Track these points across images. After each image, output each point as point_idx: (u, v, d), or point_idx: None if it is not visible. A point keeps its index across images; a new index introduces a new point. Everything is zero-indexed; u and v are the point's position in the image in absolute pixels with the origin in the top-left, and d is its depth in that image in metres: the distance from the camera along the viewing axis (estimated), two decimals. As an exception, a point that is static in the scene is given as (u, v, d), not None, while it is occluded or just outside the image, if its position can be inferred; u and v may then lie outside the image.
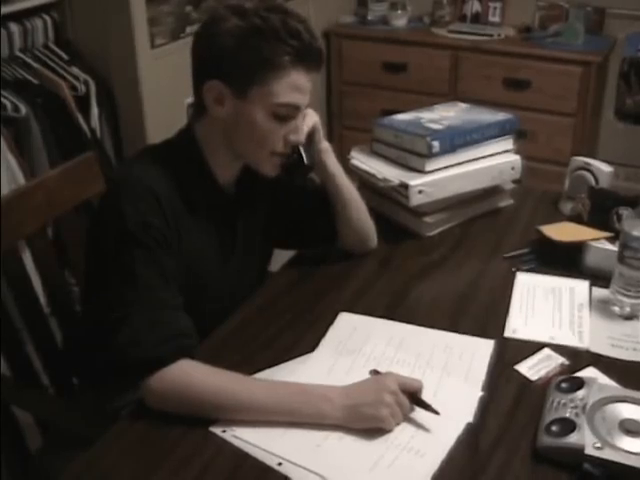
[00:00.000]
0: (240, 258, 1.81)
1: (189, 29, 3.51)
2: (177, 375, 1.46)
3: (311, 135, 1.78)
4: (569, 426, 1.34)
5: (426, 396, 1.47)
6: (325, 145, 1.85)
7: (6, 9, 2.79)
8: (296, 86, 1.57)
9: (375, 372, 1.52)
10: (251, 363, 1.60)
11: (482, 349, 1.64)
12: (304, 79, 1.58)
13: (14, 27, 2.82)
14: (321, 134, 1.83)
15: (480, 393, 1.51)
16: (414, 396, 1.44)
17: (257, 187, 1.81)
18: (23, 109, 2.73)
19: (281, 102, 1.57)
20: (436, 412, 1.41)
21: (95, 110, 3.05)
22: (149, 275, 1.52)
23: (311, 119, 1.77)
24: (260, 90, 1.55)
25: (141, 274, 1.51)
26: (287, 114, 1.60)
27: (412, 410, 1.43)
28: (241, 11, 1.56)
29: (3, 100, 2.70)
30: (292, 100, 1.58)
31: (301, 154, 1.71)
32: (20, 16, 2.87)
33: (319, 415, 1.42)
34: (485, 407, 1.47)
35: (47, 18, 2.96)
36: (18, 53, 2.88)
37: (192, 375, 1.47)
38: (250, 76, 1.55)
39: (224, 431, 1.42)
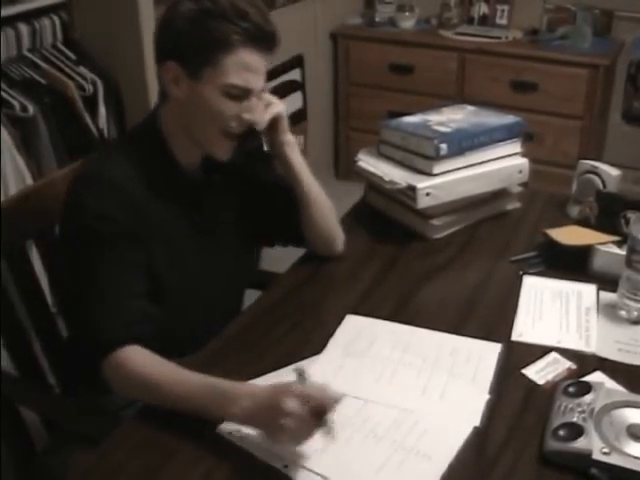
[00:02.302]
0: (214, 241, 1.82)
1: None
2: (122, 361, 1.53)
3: (274, 123, 1.80)
4: (576, 431, 1.34)
5: (433, 399, 1.48)
6: (289, 138, 1.86)
7: (15, 9, 2.80)
8: (246, 65, 1.60)
9: (300, 374, 1.38)
10: (258, 363, 1.60)
11: (489, 352, 1.64)
12: (255, 59, 1.61)
13: (23, 27, 2.83)
14: (285, 125, 1.84)
15: (487, 396, 1.51)
16: (318, 410, 1.32)
17: (225, 173, 1.82)
18: (31, 109, 2.74)
19: (232, 82, 1.60)
20: (330, 435, 1.32)
21: (102, 110, 3.05)
22: (107, 266, 1.60)
23: (275, 108, 1.79)
24: (212, 71, 1.59)
25: (100, 265, 1.59)
26: (239, 94, 1.62)
27: (321, 422, 1.32)
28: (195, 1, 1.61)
29: (11, 100, 2.71)
30: (243, 80, 1.61)
31: (261, 140, 1.74)
32: (29, 16, 2.87)
33: (226, 416, 1.42)
34: (492, 411, 1.47)
35: (55, 18, 2.97)
36: (26, 53, 2.89)
37: (134, 362, 1.53)
38: (202, 57, 1.59)
39: (230, 433, 1.42)
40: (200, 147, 1.72)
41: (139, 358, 1.53)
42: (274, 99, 1.79)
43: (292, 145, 1.87)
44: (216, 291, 1.83)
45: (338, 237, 1.99)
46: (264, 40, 1.61)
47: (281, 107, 1.81)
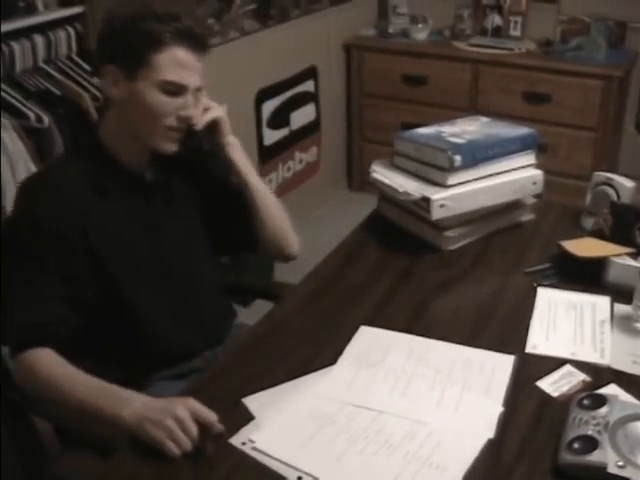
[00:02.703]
0: (168, 238, 1.87)
1: (211, 41, 3.51)
2: (29, 363, 1.65)
3: (215, 127, 1.86)
4: (591, 444, 1.33)
5: (447, 411, 1.47)
6: (231, 139, 1.93)
7: (30, 21, 2.81)
8: (179, 62, 1.68)
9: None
10: (272, 374, 1.60)
11: (502, 364, 1.63)
12: (187, 56, 1.69)
13: (38, 39, 2.84)
14: (226, 128, 1.90)
15: (501, 409, 1.50)
16: (204, 428, 1.42)
17: (176, 171, 1.89)
18: (46, 120, 2.74)
19: (166, 78, 1.68)
20: (203, 455, 1.41)
21: (116, 121, 3.06)
22: (26, 267, 1.68)
23: (214, 112, 1.84)
24: (147, 70, 1.67)
25: (20, 266, 1.69)
26: (175, 90, 1.70)
27: (200, 443, 1.41)
28: (129, 5, 1.73)
29: (27, 111, 2.72)
30: (177, 76, 1.68)
31: (199, 140, 1.81)
32: (44, 28, 2.89)
33: (117, 418, 1.49)
34: (506, 423, 1.46)
35: (70, 30, 2.97)
36: (42, 64, 2.90)
37: (40, 365, 1.64)
38: (137, 57, 1.67)
39: (244, 443, 1.42)
40: (145, 144, 1.78)
41: (45, 361, 1.64)
42: (213, 103, 1.85)
43: (234, 146, 1.94)
44: (177, 290, 1.88)
45: (290, 239, 2.04)
46: (195, 39, 1.70)
47: (220, 111, 1.87)
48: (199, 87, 1.74)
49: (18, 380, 1.69)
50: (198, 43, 1.71)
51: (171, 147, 1.76)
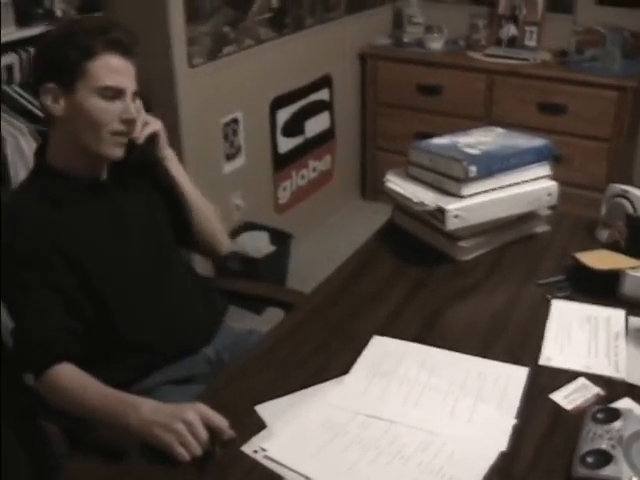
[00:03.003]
0: (137, 231, 1.93)
1: (226, 49, 3.54)
2: (51, 381, 1.71)
3: (153, 139, 1.93)
4: (605, 458, 1.32)
5: (459, 422, 1.47)
6: (168, 152, 2.00)
7: (49, 27, 2.82)
8: (112, 68, 1.75)
9: None
10: (285, 382, 1.61)
11: (516, 376, 1.63)
12: (119, 62, 1.76)
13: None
14: (163, 141, 1.97)
15: (514, 421, 1.50)
16: (214, 434, 1.43)
17: (128, 172, 1.95)
18: (62, 126, 2.76)
19: (103, 84, 1.74)
20: (215, 456, 1.41)
21: (132, 127, 3.07)
22: (19, 294, 1.75)
23: (152, 126, 1.91)
24: (83, 80, 1.74)
25: (14, 295, 1.76)
26: (113, 95, 1.76)
27: (211, 447, 1.42)
28: (61, 24, 1.92)
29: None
30: (112, 80, 1.75)
31: (140, 153, 1.89)
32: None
33: (125, 422, 1.53)
34: (519, 435, 1.46)
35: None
36: (58, 70, 2.91)
37: (62, 381, 1.70)
38: (72, 69, 1.74)
39: (255, 451, 1.42)
40: (93, 154, 1.81)
41: (66, 376, 1.70)
42: (151, 118, 1.91)
43: (171, 158, 2.01)
44: (155, 284, 1.93)
45: (221, 239, 2.15)
46: (124, 45, 1.78)
47: (158, 125, 1.93)
48: (136, 91, 1.82)
49: (48, 399, 1.73)
50: (128, 50, 1.78)
51: (117, 152, 1.82)
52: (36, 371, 1.73)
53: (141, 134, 1.87)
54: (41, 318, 1.74)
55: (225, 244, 2.17)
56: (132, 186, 1.95)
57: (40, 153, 1.88)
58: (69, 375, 1.71)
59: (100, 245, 1.84)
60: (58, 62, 1.75)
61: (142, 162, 1.93)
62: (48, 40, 1.84)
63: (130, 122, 1.80)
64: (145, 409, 1.52)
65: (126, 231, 1.90)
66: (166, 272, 1.97)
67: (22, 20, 2.79)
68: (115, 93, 1.76)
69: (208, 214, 2.09)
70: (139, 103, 1.85)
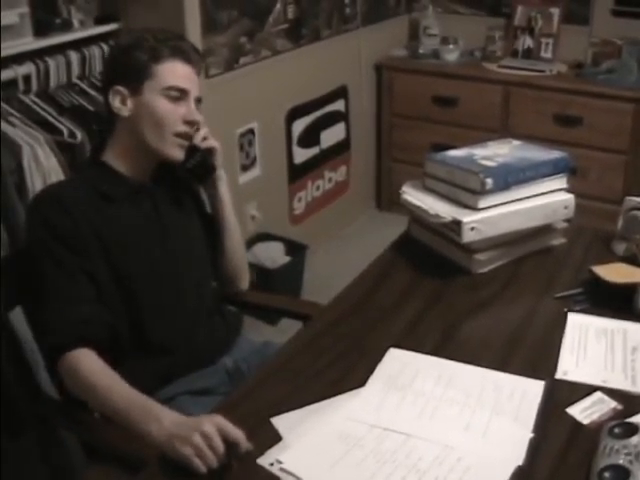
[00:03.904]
0: (177, 240, 1.98)
1: (243, 60, 3.55)
2: (71, 364, 1.71)
3: (212, 152, 2.00)
4: (622, 474, 1.31)
5: (475, 436, 1.47)
6: (221, 173, 2.07)
7: (66, 37, 2.86)
8: (176, 71, 1.87)
9: None
10: (302, 394, 1.60)
11: (532, 390, 1.62)
12: (183, 67, 1.88)
13: (73, 55, 2.88)
14: (221, 160, 2.04)
15: (530, 435, 1.49)
16: (231, 446, 1.42)
17: (175, 181, 2.02)
18: (79, 135, 2.77)
19: (169, 84, 1.85)
20: (231, 468, 1.42)
21: (148, 138, 3.08)
22: (52, 272, 1.77)
23: (213, 141, 1.99)
24: (151, 81, 1.85)
25: (46, 272, 1.77)
26: (178, 96, 1.86)
27: (227, 460, 1.41)
28: (130, 34, 2.03)
29: (60, 126, 2.75)
30: (178, 81, 1.86)
31: (205, 156, 1.97)
32: (79, 44, 2.93)
33: (146, 433, 1.52)
34: (536, 450, 1.45)
35: (104, 47, 3.01)
36: (76, 80, 2.93)
37: (82, 367, 1.69)
38: (141, 71, 1.85)
39: (271, 464, 1.42)
40: (154, 154, 1.90)
41: (86, 364, 1.70)
42: (211, 135, 2.00)
43: (223, 180, 2.09)
44: (187, 291, 1.97)
45: (244, 274, 2.22)
46: (188, 53, 1.89)
47: (217, 143, 2.01)
48: (199, 98, 1.92)
49: (66, 384, 1.75)
50: (194, 58, 1.90)
51: (179, 154, 1.91)
52: (60, 351, 1.72)
53: (201, 142, 1.95)
54: (74, 301, 1.76)
55: (247, 282, 2.23)
56: (175, 197, 2.02)
57: (95, 151, 1.96)
58: (89, 361, 1.71)
59: (138, 245, 1.88)
60: (128, 65, 1.86)
61: (197, 172, 1.98)
62: (120, 45, 1.98)
63: (193, 124, 1.90)
64: (167, 422, 1.51)
65: (164, 236, 1.94)
66: (193, 282, 1.99)
67: (40, 30, 2.81)
68: (179, 93, 1.86)
69: (239, 246, 2.17)
70: (203, 120, 1.93)
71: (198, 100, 1.92)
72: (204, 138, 1.96)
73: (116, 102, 1.87)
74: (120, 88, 1.86)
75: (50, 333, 1.75)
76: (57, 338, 1.73)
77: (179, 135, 1.88)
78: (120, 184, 1.90)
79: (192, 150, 1.94)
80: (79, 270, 1.78)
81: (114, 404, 1.63)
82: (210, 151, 1.99)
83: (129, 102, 1.86)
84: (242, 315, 2.21)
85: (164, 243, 1.94)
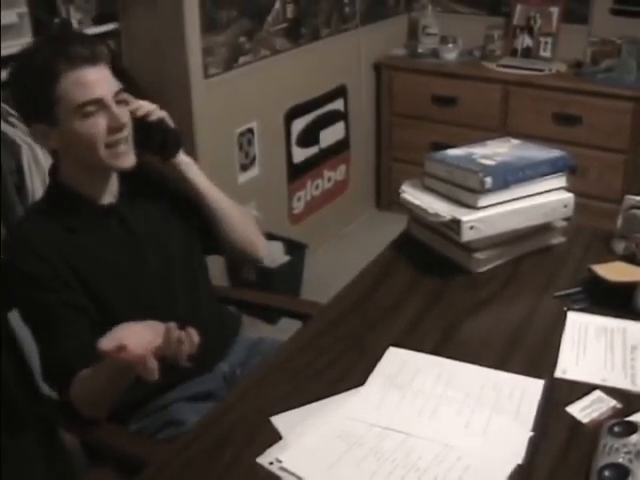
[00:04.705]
0: (153, 254, 1.89)
1: (242, 59, 3.55)
2: (76, 387, 1.71)
3: (163, 123, 1.89)
4: (622, 472, 1.31)
5: (475, 435, 1.47)
6: (183, 158, 1.94)
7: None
8: (80, 83, 1.67)
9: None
10: (302, 393, 1.60)
11: (532, 389, 1.62)
12: (85, 73, 1.67)
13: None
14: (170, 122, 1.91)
15: (530, 434, 1.49)
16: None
17: (139, 189, 1.91)
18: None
19: (79, 101, 1.67)
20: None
21: (148, 137, 3.08)
22: (44, 317, 1.74)
23: (158, 111, 1.88)
24: (60, 106, 1.68)
25: (37, 319, 1.76)
26: (95, 109, 1.69)
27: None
28: (19, 60, 1.77)
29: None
30: (86, 94, 1.67)
31: (165, 131, 1.86)
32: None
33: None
34: (535, 448, 1.45)
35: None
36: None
37: (80, 383, 1.71)
38: (45, 101, 1.68)
39: (271, 463, 1.42)
40: (104, 170, 1.80)
41: (80, 377, 1.71)
42: (150, 105, 1.88)
43: (188, 164, 1.95)
44: (178, 303, 1.91)
45: (257, 243, 2.09)
46: (85, 56, 1.68)
47: (162, 112, 1.89)
48: (118, 90, 1.75)
49: (82, 411, 1.74)
50: (90, 58, 1.69)
51: (129, 161, 1.79)
52: (64, 384, 1.73)
53: (153, 112, 1.85)
54: (69, 337, 1.73)
55: (261, 248, 2.11)
56: (145, 202, 1.93)
57: (54, 172, 1.86)
58: (82, 375, 1.71)
59: (114, 269, 1.82)
60: (29, 98, 1.72)
61: (166, 144, 1.88)
62: (14, 76, 1.78)
63: (120, 129, 1.74)
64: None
65: (140, 253, 1.87)
66: (183, 288, 1.94)
67: (39, 30, 2.81)
68: (95, 106, 1.70)
69: (239, 218, 2.03)
70: (127, 96, 1.80)
71: (117, 93, 1.75)
72: (146, 114, 1.85)
73: (39, 140, 1.79)
74: (36, 126, 1.74)
75: (52, 372, 1.78)
76: (59, 377, 1.75)
77: (114, 144, 1.75)
78: (83, 210, 1.82)
79: (144, 129, 1.82)
80: (65, 306, 1.74)
81: (104, 378, 1.67)
82: (162, 123, 1.88)
83: (52, 135, 1.73)
84: (241, 315, 2.18)
85: (142, 259, 1.88)
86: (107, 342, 1.47)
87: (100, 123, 1.70)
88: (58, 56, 1.67)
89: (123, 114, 1.75)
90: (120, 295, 1.81)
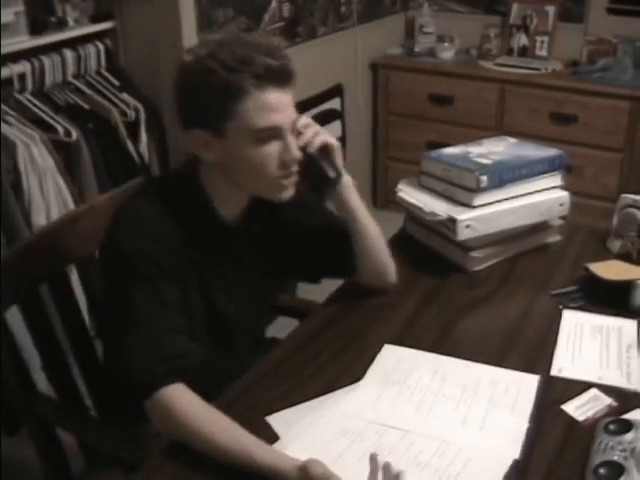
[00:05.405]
0: (241, 291, 1.78)
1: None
2: (166, 403, 1.49)
3: (327, 149, 1.75)
4: (617, 470, 1.32)
5: (472, 430, 1.47)
6: (346, 179, 1.82)
7: (61, 36, 2.86)
8: (266, 106, 1.54)
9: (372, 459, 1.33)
10: (299, 392, 1.60)
11: (528, 384, 1.63)
12: (273, 97, 1.54)
13: (68, 53, 2.88)
14: (340, 159, 1.79)
15: (527, 424, 1.50)
16: None
17: (269, 220, 1.80)
18: (74, 134, 2.77)
19: (259, 127, 1.54)
20: None
21: (144, 136, 3.08)
22: (144, 300, 1.54)
23: (325, 135, 1.75)
24: (235, 124, 1.54)
25: (137, 300, 1.54)
26: (271, 136, 1.57)
27: None
28: (197, 60, 1.56)
29: (55, 125, 2.75)
30: (268, 121, 1.55)
31: (323, 168, 1.72)
32: (74, 43, 2.93)
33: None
34: (532, 445, 1.45)
35: (100, 45, 3.01)
36: (71, 79, 2.93)
37: (179, 406, 1.48)
38: (221, 114, 1.54)
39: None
40: (257, 196, 1.69)
41: (181, 398, 1.50)
42: (322, 129, 1.75)
43: (349, 186, 1.83)
44: (235, 332, 1.80)
45: (390, 268, 1.94)
46: (276, 76, 1.55)
47: (331, 137, 1.76)
48: (295, 119, 1.62)
49: (155, 423, 1.52)
50: (281, 77, 1.56)
51: (287, 194, 1.66)
52: (146, 389, 1.50)
53: (314, 143, 1.71)
54: (168, 332, 1.56)
55: (395, 274, 1.96)
56: (261, 235, 1.81)
57: (192, 169, 1.68)
58: (183, 397, 1.50)
59: (219, 285, 1.72)
60: (203, 108, 1.55)
61: (326, 179, 1.74)
62: (185, 82, 1.59)
63: (292, 163, 1.62)
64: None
65: (240, 281, 1.77)
66: (248, 337, 1.87)
67: (35, 29, 2.80)
68: (272, 133, 1.56)
69: (380, 242, 1.90)
70: (304, 120, 1.70)
71: (294, 122, 1.62)
72: (315, 134, 1.71)
73: (197, 148, 1.60)
74: (198, 132, 1.57)
75: (139, 370, 1.51)
76: (149, 375, 1.51)
77: (282, 177, 1.62)
78: (211, 225, 1.68)
79: (306, 164, 1.67)
80: (172, 300, 1.58)
81: (223, 444, 1.42)
82: (325, 151, 1.74)
83: (213, 146, 1.58)
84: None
85: (239, 287, 1.77)
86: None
87: (273, 152, 1.58)
88: (244, 70, 1.51)
89: (296, 147, 1.63)
90: (221, 309, 1.72)
